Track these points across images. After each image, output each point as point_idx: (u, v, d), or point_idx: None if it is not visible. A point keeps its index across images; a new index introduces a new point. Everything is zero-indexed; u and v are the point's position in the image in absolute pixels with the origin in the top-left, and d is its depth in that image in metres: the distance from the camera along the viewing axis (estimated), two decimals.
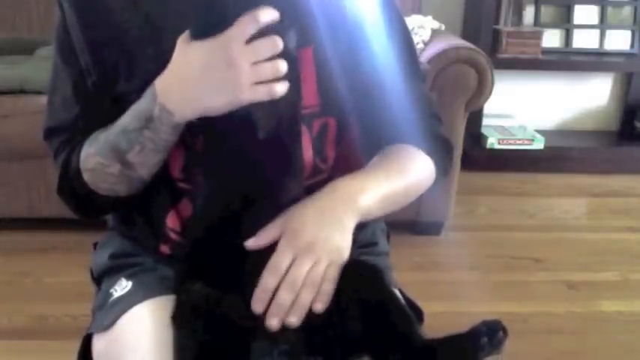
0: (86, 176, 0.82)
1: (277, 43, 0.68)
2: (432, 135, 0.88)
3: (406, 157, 0.85)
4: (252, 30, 0.67)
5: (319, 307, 0.71)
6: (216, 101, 0.70)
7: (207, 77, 0.69)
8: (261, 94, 0.69)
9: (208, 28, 0.69)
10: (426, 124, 0.88)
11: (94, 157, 0.80)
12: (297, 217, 0.74)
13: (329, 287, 0.72)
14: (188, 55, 0.70)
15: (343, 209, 0.75)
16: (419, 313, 0.91)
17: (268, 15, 0.67)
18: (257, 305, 0.71)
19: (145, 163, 0.78)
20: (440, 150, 0.89)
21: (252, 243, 0.74)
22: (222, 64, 0.68)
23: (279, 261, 0.71)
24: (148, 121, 0.74)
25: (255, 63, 0.67)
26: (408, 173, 0.84)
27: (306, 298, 0.71)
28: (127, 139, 0.76)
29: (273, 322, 0.71)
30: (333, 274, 0.72)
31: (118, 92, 0.81)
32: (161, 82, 0.73)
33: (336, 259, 0.72)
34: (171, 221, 0.85)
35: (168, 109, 0.73)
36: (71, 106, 0.84)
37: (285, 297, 0.70)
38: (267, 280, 0.71)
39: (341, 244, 0.73)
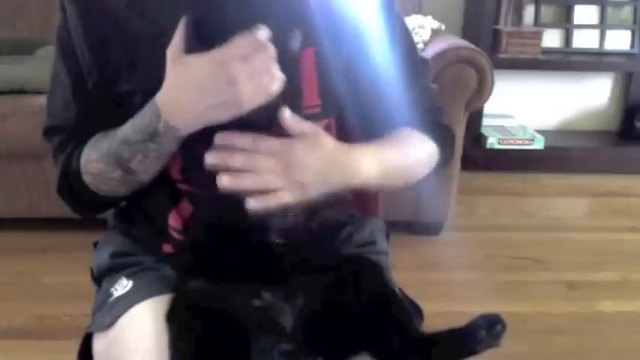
0: (87, 178, 0.83)
1: (272, 53, 0.69)
2: (434, 123, 0.90)
3: (412, 137, 0.87)
4: (250, 49, 0.68)
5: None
6: (219, 115, 0.71)
7: (209, 95, 0.70)
8: (260, 97, 0.69)
9: (205, 40, 0.69)
10: (428, 117, 0.89)
11: (96, 162, 0.81)
12: (304, 152, 0.73)
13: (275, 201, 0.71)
14: (185, 72, 0.71)
15: (344, 174, 0.75)
16: (419, 313, 0.91)
17: (264, 35, 0.68)
18: (209, 157, 0.72)
19: (147, 170, 0.79)
20: (442, 135, 0.90)
21: (287, 117, 0.72)
22: (223, 82, 0.68)
23: (262, 164, 0.71)
24: (152, 135, 0.75)
25: (254, 75, 0.68)
26: (413, 150, 0.86)
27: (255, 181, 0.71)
28: (129, 150, 0.77)
29: (223, 182, 0.71)
30: (282, 200, 0.71)
31: (118, 92, 0.81)
32: (162, 99, 0.73)
33: (296, 193, 0.72)
34: (173, 220, 0.85)
35: (172, 125, 0.73)
36: (71, 106, 0.84)
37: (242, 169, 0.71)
38: (235, 159, 0.71)
39: (312, 191, 0.73)
